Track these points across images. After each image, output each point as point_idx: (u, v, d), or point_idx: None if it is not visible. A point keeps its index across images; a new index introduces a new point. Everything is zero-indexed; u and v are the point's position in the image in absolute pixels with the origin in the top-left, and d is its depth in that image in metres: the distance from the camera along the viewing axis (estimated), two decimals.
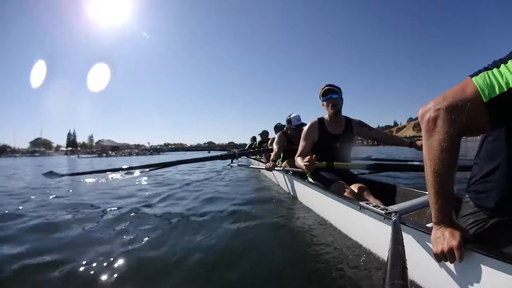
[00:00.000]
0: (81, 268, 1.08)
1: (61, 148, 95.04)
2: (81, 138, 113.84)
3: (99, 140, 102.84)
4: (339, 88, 2.03)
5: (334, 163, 1.94)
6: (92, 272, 1.05)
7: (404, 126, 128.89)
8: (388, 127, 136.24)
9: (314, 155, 1.79)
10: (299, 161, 2.03)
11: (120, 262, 1.12)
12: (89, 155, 47.52)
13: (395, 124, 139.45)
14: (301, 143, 2.12)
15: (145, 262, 1.13)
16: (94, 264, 1.11)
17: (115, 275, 1.02)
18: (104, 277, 1.01)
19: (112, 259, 1.15)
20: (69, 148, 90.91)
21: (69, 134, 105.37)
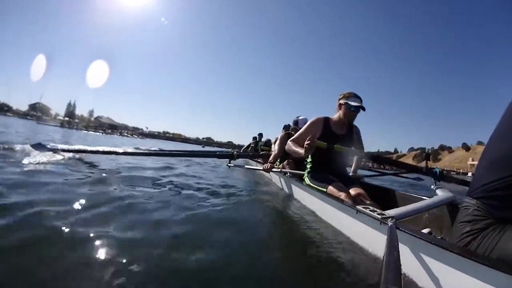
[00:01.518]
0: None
1: (58, 117, 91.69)
2: (82, 111, 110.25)
3: (98, 116, 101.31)
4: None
5: (335, 145, 1.91)
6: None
7: (404, 155, 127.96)
8: (388, 153, 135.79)
9: (314, 137, 1.83)
10: (293, 146, 2.03)
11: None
12: (54, 124, 44.06)
13: (395, 151, 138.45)
14: (301, 131, 2.14)
15: (126, 263, 1.10)
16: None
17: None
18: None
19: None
20: (66, 119, 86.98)
21: (69, 104, 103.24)
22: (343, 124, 2.10)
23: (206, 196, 2.49)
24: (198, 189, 2.83)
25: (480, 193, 0.89)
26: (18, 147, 3.48)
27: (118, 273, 0.97)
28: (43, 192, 1.80)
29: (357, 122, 2.18)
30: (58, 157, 3.27)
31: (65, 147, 4.35)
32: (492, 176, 0.87)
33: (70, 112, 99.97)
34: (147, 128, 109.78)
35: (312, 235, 1.55)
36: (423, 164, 2.28)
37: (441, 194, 1.59)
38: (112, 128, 75.79)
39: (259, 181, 4.03)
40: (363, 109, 2.01)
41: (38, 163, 2.74)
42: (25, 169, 2.43)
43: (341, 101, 2.05)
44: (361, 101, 2.01)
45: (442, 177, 2.02)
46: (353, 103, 1.98)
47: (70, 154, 3.57)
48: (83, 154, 3.80)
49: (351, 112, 2.00)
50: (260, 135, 7.81)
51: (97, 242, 1.18)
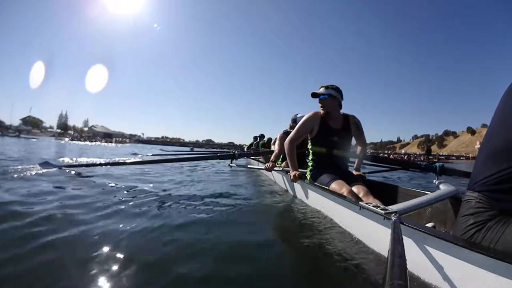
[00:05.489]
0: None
1: (49, 129, 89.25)
2: (76, 121, 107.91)
3: (92, 125, 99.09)
4: (335, 88, 2.10)
5: (334, 150, 2.04)
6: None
7: (408, 143, 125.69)
8: (391, 142, 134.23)
9: (298, 173, 2.16)
10: (289, 154, 2.22)
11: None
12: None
13: (399, 140, 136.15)
14: (297, 128, 2.19)
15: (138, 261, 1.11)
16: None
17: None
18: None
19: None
20: (58, 130, 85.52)
21: (60, 115, 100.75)
22: (336, 118, 2.13)
23: (207, 198, 2.50)
24: (199, 190, 2.84)
25: (481, 186, 0.90)
26: (26, 166, 3.57)
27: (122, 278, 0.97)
28: (51, 206, 1.85)
29: (358, 112, 2.21)
30: (65, 173, 3.37)
31: (71, 163, 4.52)
32: (492, 169, 0.87)
33: (63, 123, 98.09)
34: (143, 134, 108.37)
35: (315, 232, 1.55)
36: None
37: (443, 188, 1.59)
38: (107, 136, 74.89)
39: (261, 181, 4.03)
40: (323, 94, 2.06)
41: (47, 181, 2.79)
42: (36, 187, 2.46)
43: None
44: (325, 91, 2.07)
45: (443, 171, 2.02)
46: (313, 95, 2.09)
47: (77, 169, 3.70)
48: (89, 168, 3.94)
49: (320, 102, 2.09)
50: (262, 136, 7.79)
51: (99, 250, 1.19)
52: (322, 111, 2.11)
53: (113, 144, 34.86)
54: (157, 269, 1.06)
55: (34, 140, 28.57)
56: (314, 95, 2.11)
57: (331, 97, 2.06)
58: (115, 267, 1.04)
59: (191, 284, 0.99)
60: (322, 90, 2.10)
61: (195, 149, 9.33)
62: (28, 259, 1.07)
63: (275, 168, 2.83)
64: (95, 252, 1.16)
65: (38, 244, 1.20)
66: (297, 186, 2.45)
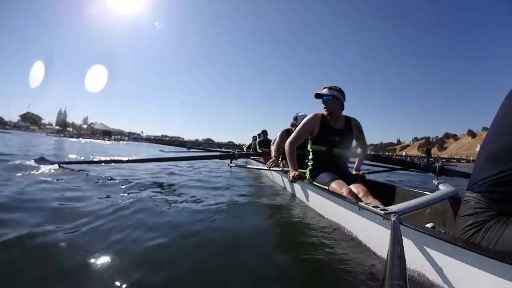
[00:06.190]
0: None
1: (47, 126, 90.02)
2: (75, 118, 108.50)
3: (91, 123, 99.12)
4: (338, 89, 2.12)
5: (334, 149, 2.08)
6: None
7: (408, 145, 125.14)
8: (391, 144, 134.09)
9: (297, 173, 2.16)
10: (289, 156, 2.22)
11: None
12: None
13: (399, 142, 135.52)
14: (298, 130, 2.21)
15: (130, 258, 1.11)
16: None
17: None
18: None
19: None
20: (57, 127, 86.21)
21: (59, 112, 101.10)
22: (337, 119, 2.15)
23: (206, 198, 2.50)
24: (198, 190, 2.84)
25: (480, 187, 0.90)
26: (21, 162, 3.55)
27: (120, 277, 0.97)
28: (45, 205, 1.83)
29: (357, 113, 2.22)
30: (61, 170, 3.36)
31: (67, 159, 4.52)
32: (492, 170, 0.87)
33: (62, 120, 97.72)
34: (142, 132, 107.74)
35: (315, 233, 1.56)
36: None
37: (443, 188, 1.60)
38: (106, 134, 75.22)
39: (261, 181, 4.03)
40: (326, 95, 2.08)
41: (41, 177, 2.79)
42: (30, 182, 2.46)
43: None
44: (328, 92, 2.09)
45: (443, 171, 2.03)
46: (317, 99, 2.13)
47: (73, 166, 3.69)
48: (84, 165, 3.93)
49: (323, 103, 2.11)
50: (264, 132, 7.65)
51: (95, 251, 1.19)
52: (324, 112, 2.13)
53: (108, 142, 34.11)
54: (153, 268, 1.06)
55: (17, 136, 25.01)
56: (318, 95, 2.12)
57: (334, 98, 2.08)
58: (108, 267, 1.03)
59: (189, 283, 0.99)
60: (325, 91, 2.11)
61: (192, 148, 9.01)
62: (16, 255, 1.07)
63: (274, 168, 2.83)
64: (87, 250, 1.15)
65: (27, 240, 1.20)
66: (297, 186, 2.45)
